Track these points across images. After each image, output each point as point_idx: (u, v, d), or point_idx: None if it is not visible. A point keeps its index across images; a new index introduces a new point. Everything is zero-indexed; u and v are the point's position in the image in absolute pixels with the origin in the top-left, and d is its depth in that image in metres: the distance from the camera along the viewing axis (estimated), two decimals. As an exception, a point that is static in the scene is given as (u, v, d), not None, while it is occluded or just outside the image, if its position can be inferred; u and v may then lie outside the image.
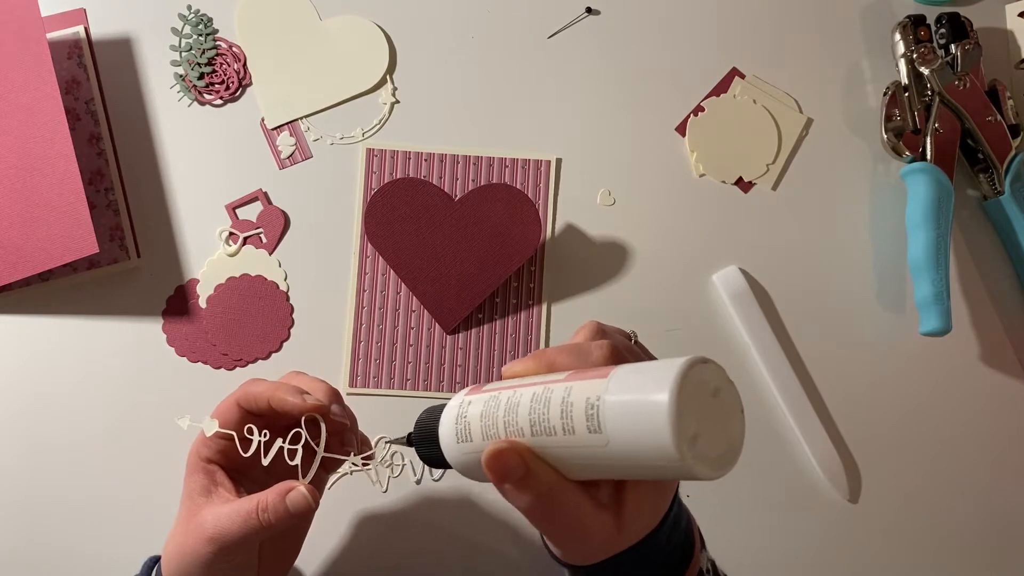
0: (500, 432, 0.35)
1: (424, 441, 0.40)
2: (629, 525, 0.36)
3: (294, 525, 0.44)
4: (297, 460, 0.44)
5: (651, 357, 0.42)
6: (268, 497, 0.43)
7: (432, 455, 0.40)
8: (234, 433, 0.45)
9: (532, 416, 0.33)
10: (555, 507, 0.34)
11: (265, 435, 0.45)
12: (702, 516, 0.63)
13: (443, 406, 0.40)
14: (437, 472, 0.60)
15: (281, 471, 0.45)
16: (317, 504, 0.44)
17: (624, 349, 0.37)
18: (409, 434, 0.43)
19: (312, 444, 0.44)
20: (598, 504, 0.35)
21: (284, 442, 0.44)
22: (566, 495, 0.34)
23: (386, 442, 0.45)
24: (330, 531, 0.60)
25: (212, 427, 0.45)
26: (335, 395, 0.47)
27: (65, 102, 0.60)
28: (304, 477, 0.44)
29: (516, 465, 0.33)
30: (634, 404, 0.30)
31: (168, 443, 0.60)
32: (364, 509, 0.60)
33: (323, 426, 0.44)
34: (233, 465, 0.47)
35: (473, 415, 0.36)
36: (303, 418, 0.44)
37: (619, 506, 0.35)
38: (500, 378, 0.39)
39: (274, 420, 0.46)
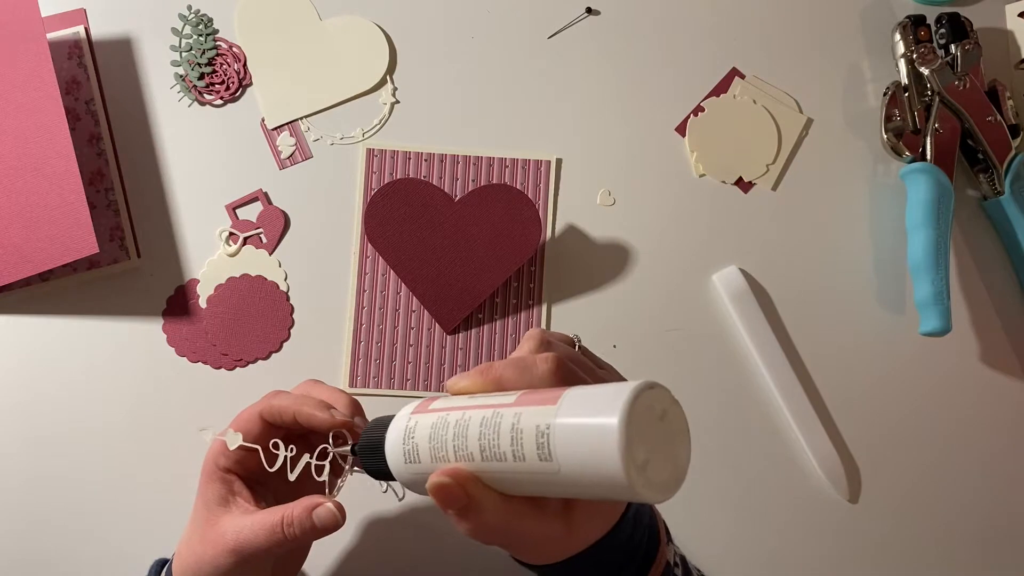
0: (450, 456, 0.35)
1: (370, 455, 0.40)
2: (579, 531, 0.36)
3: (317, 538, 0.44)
4: (324, 476, 0.44)
5: (596, 362, 0.42)
6: (294, 511, 0.43)
7: (378, 469, 0.40)
8: (260, 447, 0.45)
9: (482, 442, 0.33)
10: (497, 531, 0.35)
11: (292, 450, 0.45)
12: (701, 516, 0.63)
13: (390, 419, 0.39)
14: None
15: (299, 480, 0.45)
16: (344, 520, 0.44)
17: (569, 359, 0.37)
18: (353, 445, 0.43)
19: (340, 461, 0.44)
20: (545, 516, 0.35)
21: (312, 457, 0.44)
22: (510, 519, 0.34)
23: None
24: (336, 533, 0.60)
25: (236, 440, 0.45)
26: (357, 407, 0.47)
27: (65, 102, 0.60)
28: (331, 492, 0.44)
29: (459, 496, 0.34)
30: (584, 433, 0.30)
31: (169, 444, 0.60)
32: (371, 512, 0.60)
33: (350, 442, 0.44)
34: (251, 475, 0.47)
35: (421, 437, 0.36)
36: (330, 433, 0.44)
37: (569, 513, 0.35)
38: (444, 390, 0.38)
39: (294, 431, 0.46)
